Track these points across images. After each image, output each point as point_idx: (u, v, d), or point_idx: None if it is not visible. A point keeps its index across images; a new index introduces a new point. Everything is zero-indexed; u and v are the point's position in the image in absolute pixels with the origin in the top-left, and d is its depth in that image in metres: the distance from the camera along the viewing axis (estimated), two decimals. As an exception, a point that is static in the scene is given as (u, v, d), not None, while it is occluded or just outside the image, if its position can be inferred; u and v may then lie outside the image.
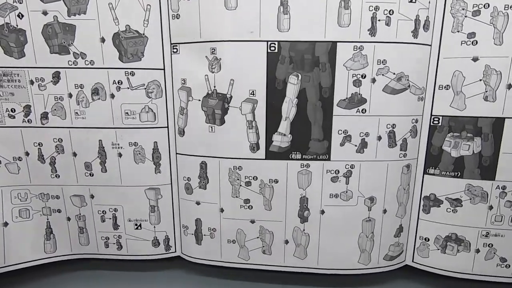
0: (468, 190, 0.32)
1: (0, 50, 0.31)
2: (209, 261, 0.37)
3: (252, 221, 0.35)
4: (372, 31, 0.30)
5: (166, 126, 0.34)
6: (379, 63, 0.31)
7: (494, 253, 0.33)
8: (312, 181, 0.33)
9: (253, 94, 0.32)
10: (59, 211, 0.35)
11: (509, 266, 0.33)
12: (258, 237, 0.35)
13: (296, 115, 0.32)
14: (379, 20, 0.30)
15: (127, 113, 0.32)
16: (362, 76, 0.31)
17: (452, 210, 0.33)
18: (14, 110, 0.32)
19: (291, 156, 0.33)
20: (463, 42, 0.31)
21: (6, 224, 0.34)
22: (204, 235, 0.36)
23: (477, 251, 0.33)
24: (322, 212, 0.34)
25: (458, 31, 0.31)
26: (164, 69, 0.32)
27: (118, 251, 0.37)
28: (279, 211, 0.34)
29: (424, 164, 0.34)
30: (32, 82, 0.32)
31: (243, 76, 0.32)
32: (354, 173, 0.33)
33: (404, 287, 0.34)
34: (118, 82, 0.32)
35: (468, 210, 0.33)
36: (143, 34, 0.31)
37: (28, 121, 0.32)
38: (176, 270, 0.36)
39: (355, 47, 0.31)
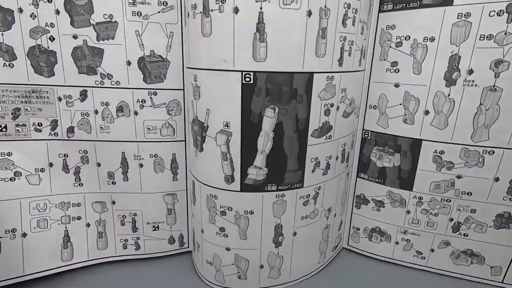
0: (389, 195, 0.29)
1: (31, 69, 0.26)
2: (197, 271, 0.31)
3: (228, 249, 0.27)
4: (341, 61, 0.22)
5: (184, 139, 0.29)
6: (342, 91, 0.24)
7: (411, 246, 0.30)
8: (286, 209, 0.26)
9: (228, 126, 0.22)
10: (79, 218, 0.30)
11: (424, 258, 0.31)
12: (233, 264, 0.27)
13: (272, 148, 0.23)
14: (345, 51, 0.22)
15: (149, 128, 0.29)
16: (331, 105, 0.24)
17: (377, 209, 0.30)
18: (41, 124, 0.28)
19: (267, 188, 0.24)
20: (387, 69, 0.26)
21: (24, 235, 0.29)
22: (194, 246, 0.28)
23: (396, 243, 0.30)
24: (295, 234, 0.27)
25: (384, 59, 0.26)
26: (183, 90, 0.28)
27: (136, 251, 0.31)
28: (254, 239, 0.26)
29: (357, 169, 0.30)
30: (60, 99, 0.27)
31: (218, 107, 0.22)
32: (320, 193, 0.26)
33: (341, 265, 0.32)
34: (142, 101, 0.28)
35: (389, 210, 0.29)
36: (166, 58, 0.27)
37: (54, 134, 0.28)
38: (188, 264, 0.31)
39: (328, 77, 0.22)
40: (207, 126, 0.24)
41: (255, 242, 0.26)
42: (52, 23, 0.25)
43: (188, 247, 0.32)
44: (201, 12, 0.21)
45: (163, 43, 0.26)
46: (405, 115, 0.26)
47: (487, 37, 0.23)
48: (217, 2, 0.21)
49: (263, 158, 0.24)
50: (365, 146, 0.29)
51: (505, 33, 0.22)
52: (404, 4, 0.24)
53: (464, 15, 0.23)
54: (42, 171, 0.28)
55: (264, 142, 0.24)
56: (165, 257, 0.32)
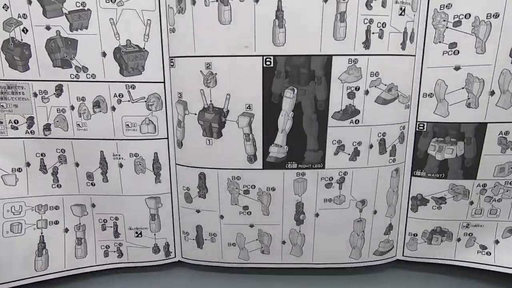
0: (451, 189, 0.39)
1: (5, 63, 0.34)
2: (211, 263, 0.43)
3: (251, 225, 0.40)
4: (366, 44, 0.34)
5: (166, 137, 0.39)
6: (372, 75, 0.35)
7: (474, 241, 0.41)
8: (307, 188, 0.39)
9: (250, 108, 0.36)
10: (56, 222, 0.39)
11: (490, 253, 0.40)
12: (257, 239, 0.41)
13: (292, 127, 0.36)
14: (373, 33, 0.34)
15: (128, 125, 0.37)
16: (356, 88, 0.35)
17: (437, 207, 0.40)
18: (17, 122, 0.36)
19: (287, 166, 0.38)
20: (445, 52, 0.36)
21: (-4, 239, 0.37)
22: (205, 239, 0.42)
23: (458, 239, 0.41)
24: (317, 215, 0.40)
25: (440, 42, 0.36)
26: (164, 82, 0.37)
27: (119, 258, 0.41)
28: (276, 215, 0.40)
29: (411, 167, 0.40)
30: (35, 95, 0.36)
31: (239, 91, 0.36)
32: (346, 179, 0.38)
33: (395, 277, 0.42)
34: (119, 95, 0.36)
35: (451, 206, 0.39)
36: (144, 48, 0.35)
37: (31, 132, 0.37)
38: (176, 274, 0.43)
39: (350, 60, 0.35)
40: (227, 111, 0.37)
41: (277, 218, 0.40)
42: (24, 14, 0.34)
43: (175, 256, 0.43)
44: (217, 1, 0.33)
45: (139, 31, 0.35)
46: (469, 99, 0.36)
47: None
48: (238, -9, 0.34)
49: (284, 137, 0.37)
50: (421, 140, 0.39)
51: None
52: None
53: (527, -11, 0.33)
54: (19, 171, 0.38)
55: (284, 121, 0.37)
56: (152, 267, 0.43)
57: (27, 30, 0.34)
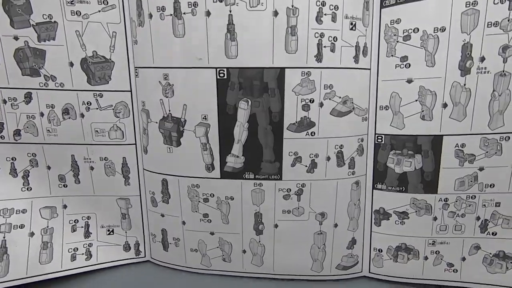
0: (413, 203, 0.44)
1: None
2: (176, 266, 0.49)
3: (212, 233, 0.47)
4: (318, 57, 0.40)
5: (134, 143, 0.46)
6: (326, 87, 0.41)
7: (441, 259, 0.45)
8: (265, 199, 0.44)
9: (206, 119, 0.42)
10: (21, 226, 0.44)
11: (457, 270, 0.45)
12: (218, 247, 0.47)
13: (248, 138, 0.42)
14: (324, 47, 0.40)
15: (96, 131, 0.44)
16: (310, 100, 0.41)
17: (400, 222, 0.45)
18: None
19: (245, 176, 0.44)
20: (397, 65, 0.41)
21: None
22: (170, 243, 0.49)
23: (425, 258, 0.45)
24: (276, 226, 0.45)
25: (392, 55, 0.41)
26: (131, 91, 0.44)
27: (87, 261, 0.48)
28: (236, 224, 0.46)
29: (372, 180, 0.45)
30: (5, 102, 0.43)
31: (195, 101, 0.42)
32: (305, 191, 0.44)
33: None
34: (87, 103, 0.43)
35: (415, 221, 0.44)
36: (110, 59, 0.42)
37: (0, 137, 0.43)
38: (146, 273, 0.48)
39: (303, 72, 0.40)
40: (185, 121, 0.43)
41: (236, 227, 0.47)
42: (-8, 24, 0.41)
43: (145, 256, 0.51)
44: (171, 15, 0.40)
45: (105, 43, 0.42)
46: (423, 111, 0.41)
47: (493, 24, 0.38)
48: (190, 6, 0.39)
49: (240, 147, 0.44)
50: (380, 152, 0.44)
51: (508, 20, 0.38)
52: (408, -3, 0.41)
53: (472, 4, 0.37)
54: (-11, 175, 0.46)
55: (240, 132, 0.43)
56: (120, 267, 0.49)
57: None
